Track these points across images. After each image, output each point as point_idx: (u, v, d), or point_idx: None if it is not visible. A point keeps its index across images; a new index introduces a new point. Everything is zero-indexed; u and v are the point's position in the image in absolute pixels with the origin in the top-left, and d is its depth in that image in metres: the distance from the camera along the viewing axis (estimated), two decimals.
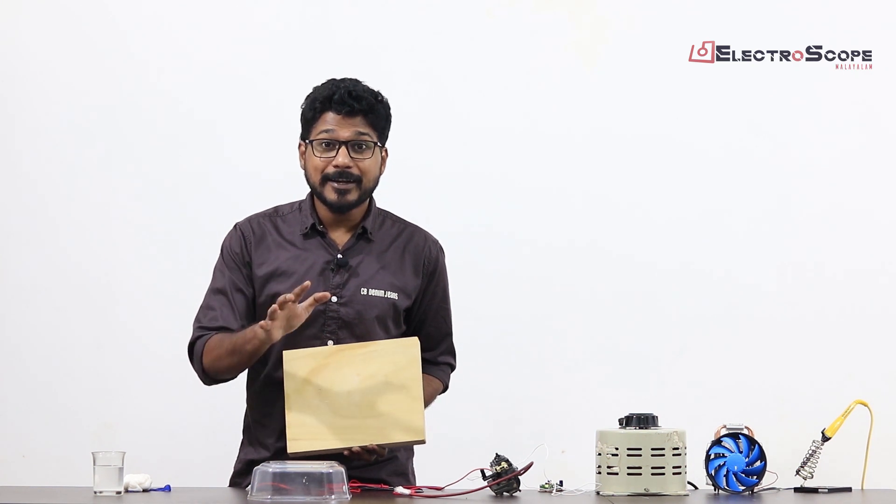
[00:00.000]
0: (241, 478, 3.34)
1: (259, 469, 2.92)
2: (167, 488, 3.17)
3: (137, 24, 4.64)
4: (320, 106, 3.28)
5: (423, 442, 3.16)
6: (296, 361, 3.18)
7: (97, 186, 4.63)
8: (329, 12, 4.64)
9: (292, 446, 3.11)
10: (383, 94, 3.35)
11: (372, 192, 3.35)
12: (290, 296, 3.05)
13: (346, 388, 3.16)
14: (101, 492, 3.03)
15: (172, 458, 4.41)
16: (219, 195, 4.57)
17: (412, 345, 3.20)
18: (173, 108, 4.63)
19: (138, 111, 4.63)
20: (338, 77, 3.35)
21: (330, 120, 3.27)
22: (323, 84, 3.33)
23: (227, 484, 3.39)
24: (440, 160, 4.62)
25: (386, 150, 3.35)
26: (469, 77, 4.63)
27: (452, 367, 3.47)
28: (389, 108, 3.34)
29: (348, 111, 3.26)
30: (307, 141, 3.31)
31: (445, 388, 3.46)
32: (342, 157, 3.26)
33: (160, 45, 4.63)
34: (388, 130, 3.35)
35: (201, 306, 3.34)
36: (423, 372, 3.32)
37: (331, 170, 3.27)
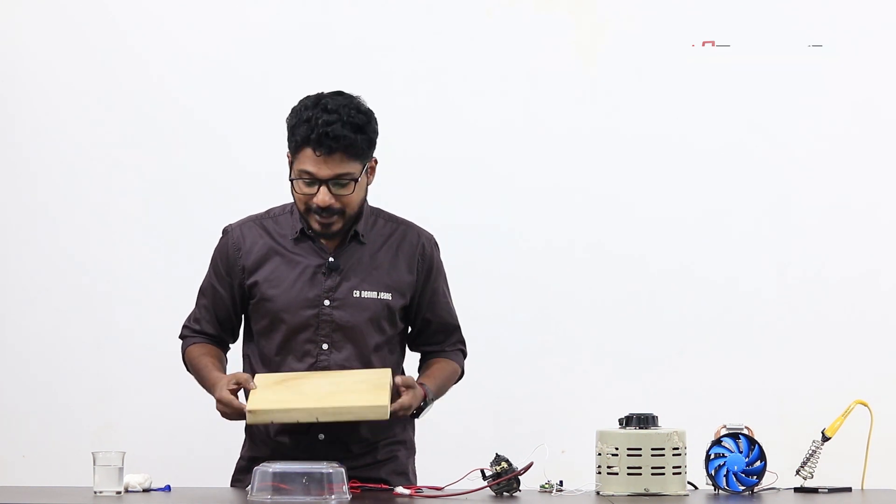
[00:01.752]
0: (243, 475, 3.34)
1: (259, 469, 2.92)
2: (167, 488, 3.17)
3: (137, 24, 4.64)
4: (300, 140, 3.19)
5: (385, 416, 3.07)
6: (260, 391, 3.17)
7: (97, 186, 4.63)
8: (329, 12, 4.63)
9: (251, 418, 3.07)
10: (367, 105, 3.24)
11: (359, 214, 3.30)
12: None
13: (313, 382, 3.16)
14: (101, 492, 3.03)
15: (172, 458, 4.41)
16: (219, 195, 4.57)
17: (384, 374, 3.18)
18: (173, 109, 4.62)
19: (138, 111, 4.63)
20: (325, 91, 3.25)
21: (309, 157, 3.18)
22: (305, 108, 3.21)
23: (229, 482, 3.40)
24: (440, 160, 4.61)
25: (375, 160, 3.29)
26: (469, 77, 4.63)
27: (464, 354, 3.46)
28: (375, 127, 3.24)
29: (327, 151, 3.17)
30: (290, 171, 3.24)
31: (461, 373, 3.45)
32: (322, 195, 3.19)
33: (160, 45, 4.63)
34: (375, 144, 3.26)
35: (198, 298, 3.43)
36: (436, 357, 3.39)
37: (313, 205, 3.22)
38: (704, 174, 4.62)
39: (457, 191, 4.60)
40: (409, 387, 3.18)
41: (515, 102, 4.63)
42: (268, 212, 3.40)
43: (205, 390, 3.32)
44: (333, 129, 3.15)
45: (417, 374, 3.39)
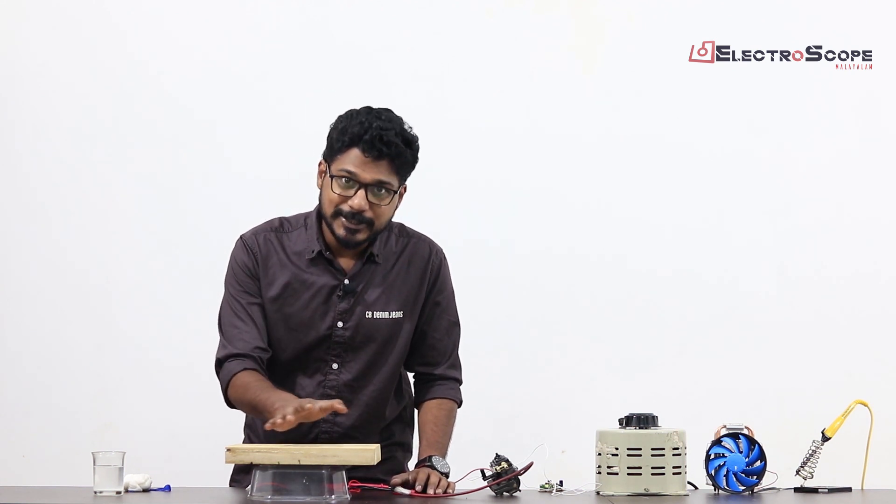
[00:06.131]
0: (241, 475, 3.34)
1: (259, 469, 2.92)
2: (167, 488, 3.17)
3: (137, 25, 4.65)
4: (349, 140, 3.16)
5: (372, 461, 2.97)
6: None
7: (97, 188, 4.63)
8: (329, 12, 4.64)
9: (229, 457, 2.94)
10: (414, 132, 3.24)
11: (382, 231, 3.26)
12: (315, 409, 2.96)
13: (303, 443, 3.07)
14: (101, 492, 3.03)
15: (172, 458, 4.41)
16: (219, 197, 4.57)
17: (373, 447, 3.03)
18: (173, 110, 4.63)
19: (138, 113, 4.63)
20: (376, 107, 3.22)
21: (355, 158, 3.16)
22: (358, 113, 3.20)
23: (228, 482, 3.39)
24: (439, 160, 4.59)
25: (405, 187, 3.27)
26: (469, 77, 4.63)
27: (459, 382, 3.41)
28: (418, 151, 3.25)
29: (376, 155, 3.16)
30: (328, 172, 3.20)
31: (459, 404, 3.40)
32: (359, 199, 3.16)
33: (160, 46, 4.64)
34: (412, 171, 3.26)
35: (224, 321, 3.27)
36: (430, 396, 3.35)
37: (345, 208, 3.17)
38: (704, 175, 4.62)
39: (455, 192, 4.60)
40: (419, 479, 3.11)
41: (515, 103, 4.63)
42: (281, 223, 3.33)
43: (264, 410, 3.09)
44: (387, 134, 3.16)
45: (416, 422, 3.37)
